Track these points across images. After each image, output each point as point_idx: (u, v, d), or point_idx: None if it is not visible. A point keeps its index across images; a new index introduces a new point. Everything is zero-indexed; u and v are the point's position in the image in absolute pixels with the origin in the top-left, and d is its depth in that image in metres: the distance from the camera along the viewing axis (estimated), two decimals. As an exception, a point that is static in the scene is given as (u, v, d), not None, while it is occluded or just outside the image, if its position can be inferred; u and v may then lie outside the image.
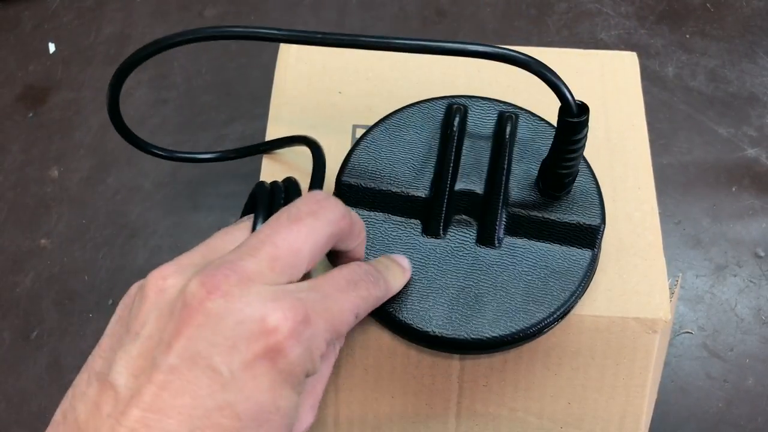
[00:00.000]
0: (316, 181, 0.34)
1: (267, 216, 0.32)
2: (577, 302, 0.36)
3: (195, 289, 0.24)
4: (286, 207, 0.28)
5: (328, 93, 0.43)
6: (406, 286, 0.35)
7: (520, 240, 0.36)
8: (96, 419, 0.23)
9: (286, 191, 0.34)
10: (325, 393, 0.37)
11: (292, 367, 0.24)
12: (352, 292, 0.27)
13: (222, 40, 0.60)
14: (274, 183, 0.35)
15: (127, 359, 0.24)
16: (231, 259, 0.25)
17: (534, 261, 0.36)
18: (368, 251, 0.36)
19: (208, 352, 0.23)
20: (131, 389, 0.23)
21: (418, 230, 0.37)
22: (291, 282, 0.26)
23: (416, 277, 0.35)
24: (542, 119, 0.39)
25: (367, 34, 0.31)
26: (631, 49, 0.46)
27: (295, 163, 0.41)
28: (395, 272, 0.33)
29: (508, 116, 0.38)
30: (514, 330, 0.34)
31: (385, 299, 0.31)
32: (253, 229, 0.30)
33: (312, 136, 0.39)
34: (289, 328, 0.24)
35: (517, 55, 0.30)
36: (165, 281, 0.26)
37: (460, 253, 0.36)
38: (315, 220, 0.27)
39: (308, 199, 0.28)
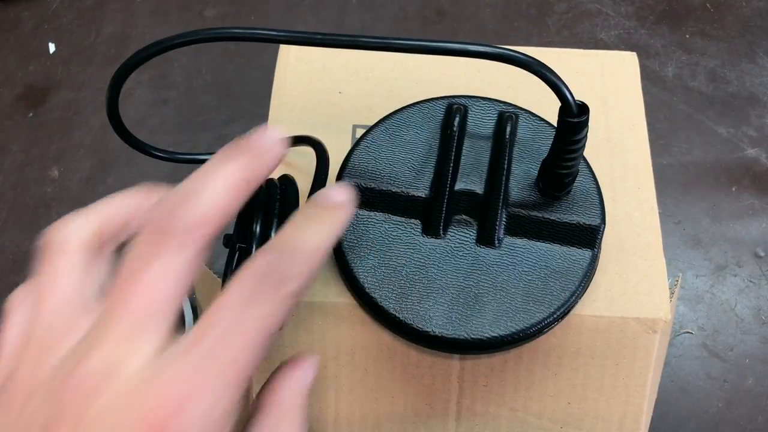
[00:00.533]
0: (320, 182, 0.34)
1: (265, 215, 0.32)
2: (577, 302, 0.36)
3: (54, 413, 0.19)
4: (131, 245, 0.21)
5: (328, 93, 0.43)
6: (406, 287, 0.35)
7: (520, 240, 0.36)
8: None
9: (283, 189, 0.34)
10: (325, 393, 0.37)
11: None
12: (248, 318, 0.20)
13: (222, 41, 0.60)
14: (270, 181, 0.35)
15: None
16: (96, 358, 0.20)
17: (534, 261, 0.36)
18: (368, 251, 0.36)
19: None
20: None
21: (418, 230, 0.37)
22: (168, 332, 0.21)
23: (416, 277, 0.35)
24: (542, 119, 0.39)
25: (366, 35, 0.31)
26: (631, 49, 0.46)
27: (295, 163, 0.41)
28: (315, 227, 0.24)
29: (508, 116, 0.38)
30: (514, 330, 0.34)
31: (311, 277, 0.22)
32: (265, 228, 0.29)
33: (310, 136, 0.39)
34: (173, 416, 0.19)
35: (517, 55, 0.30)
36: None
37: (460, 253, 0.36)
38: (159, 262, 0.20)
39: (151, 218, 0.21)
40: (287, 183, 0.34)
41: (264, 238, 0.32)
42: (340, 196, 0.25)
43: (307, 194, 0.33)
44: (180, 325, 0.46)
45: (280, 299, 0.21)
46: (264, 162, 0.24)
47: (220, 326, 0.20)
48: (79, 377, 0.19)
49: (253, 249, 0.31)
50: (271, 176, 0.35)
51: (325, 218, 0.24)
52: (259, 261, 0.22)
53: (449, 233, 0.37)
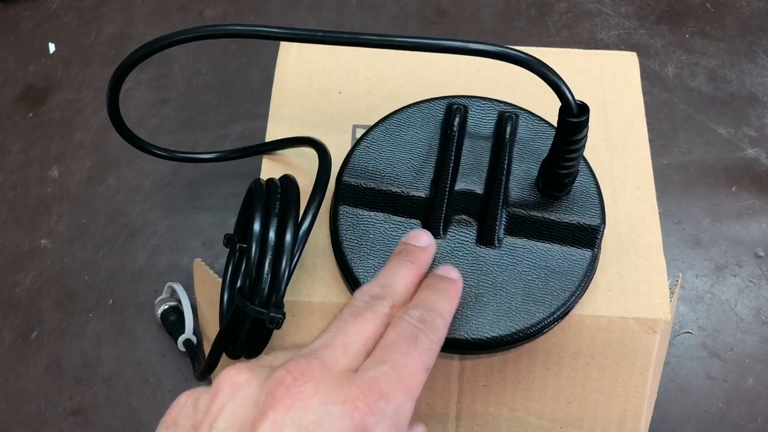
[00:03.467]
0: (322, 182, 0.34)
1: (264, 213, 0.32)
2: (577, 302, 0.36)
3: (281, 377, 0.25)
4: (345, 306, 0.29)
5: (328, 93, 0.43)
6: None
7: (520, 240, 0.36)
8: None
9: (284, 189, 0.34)
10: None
11: None
12: (415, 350, 0.27)
13: (222, 40, 0.60)
14: (271, 180, 0.35)
15: None
16: (308, 352, 0.27)
17: (534, 261, 0.36)
18: (368, 251, 0.36)
19: None
20: None
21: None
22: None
23: (416, 277, 0.35)
24: (542, 119, 0.39)
25: (367, 32, 0.31)
26: (631, 49, 0.46)
27: (295, 163, 0.41)
28: (444, 296, 0.32)
29: (508, 116, 0.38)
30: (514, 330, 0.34)
31: (447, 331, 0.31)
32: (265, 228, 0.31)
33: (314, 137, 0.39)
34: (372, 408, 0.25)
35: (518, 53, 0.30)
36: (238, 378, 0.26)
37: (460, 253, 0.36)
38: (373, 314, 0.29)
39: (363, 295, 0.30)
40: (288, 183, 0.34)
41: (263, 237, 0.32)
42: (453, 275, 0.33)
43: (309, 194, 0.33)
44: (180, 323, 0.46)
45: (433, 341, 0.28)
46: (423, 266, 0.33)
47: (396, 353, 0.27)
48: (308, 357, 0.26)
49: (253, 248, 0.31)
50: (272, 176, 0.35)
51: (448, 291, 0.32)
52: (411, 314, 0.29)
53: (449, 233, 0.37)
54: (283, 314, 0.31)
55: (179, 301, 0.46)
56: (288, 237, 0.31)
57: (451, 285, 0.32)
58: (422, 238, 0.34)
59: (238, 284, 0.37)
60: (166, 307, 0.47)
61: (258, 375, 0.26)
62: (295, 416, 0.24)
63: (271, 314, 0.31)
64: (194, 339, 0.45)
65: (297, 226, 0.32)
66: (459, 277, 0.33)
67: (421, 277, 0.32)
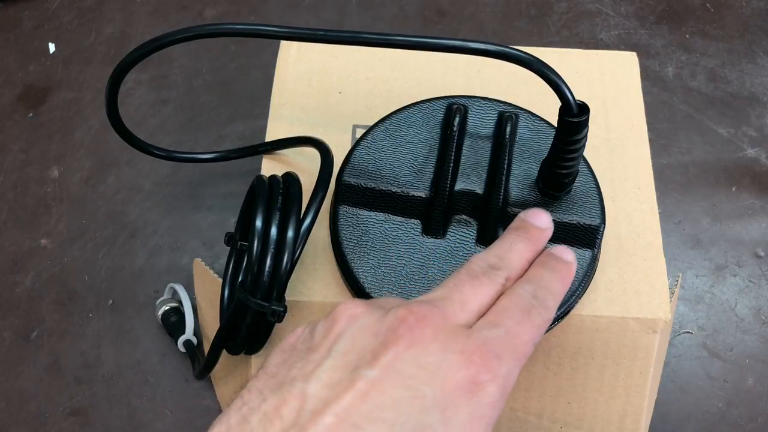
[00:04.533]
0: (324, 181, 0.34)
1: (267, 208, 0.32)
2: (577, 302, 0.36)
3: (403, 315, 0.25)
4: (462, 267, 0.30)
5: (328, 93, 0.43)
6: (406, 287, 0.35)
7: (520, 240, 0.36)
8: (276, 429, 0.23)
9: (286, 185, 0.34)
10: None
11: (489, 403, 0.25)
12: (528, 322, 0.27)
13: (222, 39, 0.60)
14: (273, 177, 0.35)
15: (318, 371, 0.24)
16: (428, 299, 0.27)
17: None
18: (368, 251, 0.36)
19: (414, 373, 0.24)
20: (323, 399, 0.23)
21: (418, 230, 0.37)
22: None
23: (416, 277, 0.35)
24: (542, 119, 0.39)
25: (368, 31, 0.31)
26: (631, 49, 0.46)
27: (295, 163, 0.41)
28: (557, 277, 0.31)
29: (508, 116, 0.38)
30: (514, 330, 0.34)
31: (555, 312, 0.30)
32: (267, 222, 0.32)
33: (314, 137, 0.39)
34: (486, 365, 0.25)
35: (519, 53, 0.30)
36: (356, 310, 0.26)
37: (460, 253, 0.36)
38: (489, 281, 0.29)
39: (480, 261, 0.30)
40: (290, 180, 0.34)
41: (265, 231, 0.32)
42: (569, 257, 0.32)
43: (311, 194, 0.33)
44: (180, 324, 0.46)
45: (543, 318, 0.28)
46: (539, 245, 0.32)
47: (511, 320, 0.27)
48: (429, 304, 0.26)
49: (254, 245, 0.31)
50: (274, 173, 0.35)
51: (562, 272, 0.31)
52: (525, 287, 0.29)
53: (449, 233, 0.37)
54: (285, 307, 0.32)
55: (180, 302, 0.46)
56: (290, 232, 0.32)
57: (566, 266, 0.31)
58: (542, 218, 0.33)
59: (240, 279, 0.37)
60: (167, 308, 0.47)
61: (374, 311, 0.26)
62: (416, 354, 0.24)
63: (273, 307, 0.31)
64: (194, 340, 0.45)
65: (299, 222, 0.32)
66: (574, 260, 0.32)
67: (536, 256, 0.32)
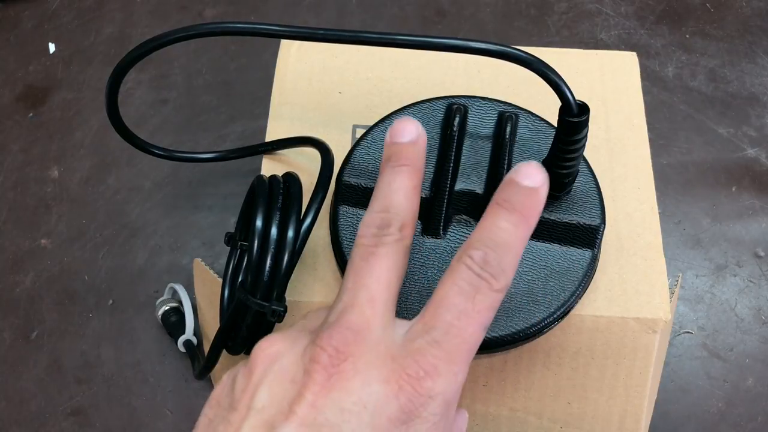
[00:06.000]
0: (324, 180, 0.34)
1: (267, 207, 0.32)
2: (577, 302, 0.36)
3: (315, 353, 0.23)
4: (353, 249, 0.26)
5: (328, 93, 0.43)
6: (406, 286, 0.35)
7: (520, 240, 0.36)
8: None
9: (286, 185, 0.34)
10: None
11: (433, 422, 0.22)
12: (473, 307, 0.24)
13: (222, 39, 0.60)
14: (273, 177, 0.35)
15: None
16: (336, 319, 0.24)
17: (534, 261, 0.36)
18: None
19: (337, 420, 0.22)
20: None
21: (418, 230, 0.37)
22: (395, 310, 0.25)
23: (416, 277, 0.35)
24: (542, 119, 0.39)
25: (369, 30, 0.31)
26: (631, 49, 0.46)
27: (295, 163, 0.41)
28: (518, 218, 0.25)
29: (508, 116, 0.38)
30: (514, 330, 0.34)
31: (516, 267, 0.25)
32: (267, 222, 0.31)
33: (314, 137, 0.39)
34: (417, 389, 0.22)
35: (519, 52, 0.30)
36: (272, 348, 0.25)
37: (460, 253, 0.36)
38: (385, 249, 0.25)
39: (366, 230, 0.26)
40: (291, 180, 0.34)
41: (266, 231, 0.32)
42: (534, 178, 0.25)
43: (311, 194, 0.33)
44: (180, 324, 0.46)
45: (495, 292, 0.24)
46: (419, 163, 0.28)
47: (450, 314, 0.24)
48: (340, 327, 0.24)
49: (255, 244, 0.31)
50: (274, 173, 0.35)
51: (522, 205, 0.25)
52: (471, 256, 0.24)
53: (449, 233, 0.37)
54: (285, 307, 0.32)
55: (180, 302, 0.46)
56: (290, 232, 0.32)
57: (529, 197, 0.25)
58: (407, 130, 0.28)
59: (240, 279, 0.37)
60: (167, 308, 0.47)
61: (292, 344, 0.24)
62: (336, 398, 0.22)
63: (273, 307, 0.31)
64: (194, 340, 0.45)
65: (299, 222, 0.32)
66: (543, 181, 0.25)
67: (420, 177, 0.28)
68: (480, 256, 0.24)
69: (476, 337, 0.24)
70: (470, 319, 0.24)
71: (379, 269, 0.25)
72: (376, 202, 0.27)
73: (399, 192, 0.27)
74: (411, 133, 0.28)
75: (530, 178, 0.25)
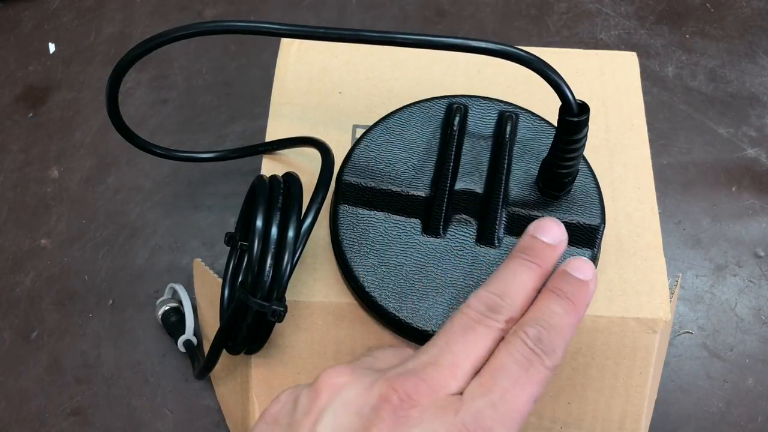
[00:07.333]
0: (324, 180, 0.34)
1: (267, 207, 0.32)
2: (577, 302, 0.35)
3: (386, 393, 0.24)
4: (456, 314, 0.28)
5: (328, 93, 0.43)
6: (406, 286, 0.35)
7: (520, 240, 0.36)
8: None
9: (286, 185, 0.34)
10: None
11: None
12: (527, 378, 0.25)
13: (222, 39, 0.60)
14: (274, 177, 0.35)
15: None
16: (415, 368, 0.25)
17: (534, 261, 0.36)
18: (368, 251, 0.36)
19: None
20: None
21: (418, 229, 0.37)
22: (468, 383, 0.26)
23: (416, 277, 0.35)
24: (542, 119, 0.39)
25: (369, 29, 0.31)
26: (631, 49, 0.46)
27: (295, 163, 0.41)
28: (569, 306, 0.28)
29: (508, 116, 0.38)
30: (514, 330, 0.34)
31: (566, 349, 0.27)
32: (268, 222, 0.31)
33: (314, 137, 0.39)
34: None
35: (520, 52, 0.30)
36: (340, 377, 0.25)
37: (460, 253, 0.36)
38: (485, 330, 0.27)
39: (477, 303, 0.28)
40: (291, 180, 0.34)
41: (266, 231, 0.32)
42: (585, 272, 0.28)
43: (312, 193, 0.33)
44: (180, 324, 0.46)
45: (546, 369, 0.26)
46: (549, 267, 0.29)
47: (507, 381, 0.25)
48: (417, 377, 0.25)
49: (255, 244, 0.31)
50: (274, 173, 0.35)
51: (573, 295, 0.28)
52: (527, 332, 0.26)
53: (449, 232, 0.37)
54: (285, 307, 0.32)
55: (180, 302, 0.46)
56: (290, 232, 0.32)
57: (580, 289, 0.28)
58: (552, 232, 0.30)
59: (240, 279, 0.37)
60: (167, 308, 0.47)
61: (359, 378, 0.25)
62: None
63: (273, 307, 0.31)
64: (194, 340, 0.45)
65: (300, 222, 0.32)
66: (592, 275, 0.28)
67: (545, 279, 0.29)
68: (534, 333, 0.26)
69: (527, 407, 0.25)
70: (524, 388, 0.25)
71: (473, 344, 0.26)
72: (495, 284, 0.28)
73: (519, 286, 0.28)
74: (555, 237, 0.30)
75: (581, 272, 0.28)
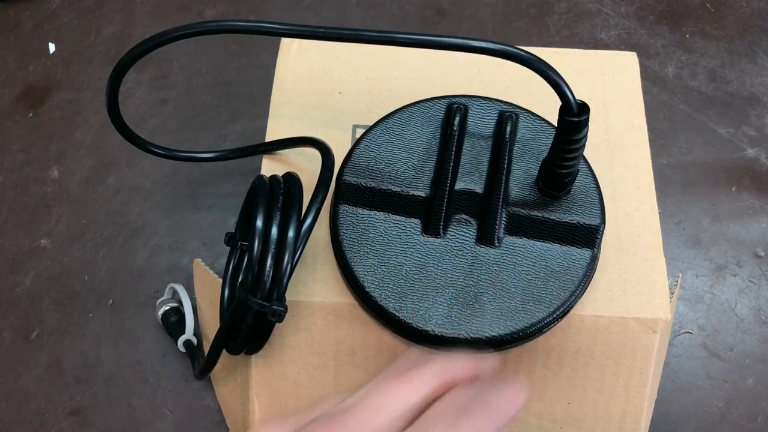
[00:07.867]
0: (324, 180, 0.34)
1: (267, 207, 0.32)
2: (576, 302, 0.36)
3: None
4: (392, 365, 0.27)
5: (328, 93, 0.43)
6: (406, 286, 0.35)
7: (520, 239, 0.36)
8: None
9: (287, 185, 0.34)
10: (325, 393, 0.37)
11: None
12: (466, 425, 0.25)
13: (222, 39, 0.60)
14: (274, 177, 0.35)
15: None
16: (340, 409, 0.25)
17: (534, 261, 0.36)
18: (368, 251, 0.36)
19: None
20: None
21: (418, 229, 0.37)
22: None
23: (416, 277, 0.35)
24: (542, 119, 0.39)
25: (369, 29, 0.31)
26: (631, 49, 0.46)
27: (295, 163, 0.41)
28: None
29: (508, 116, 0.38)
30: (513, 330, 0.34)
31: None
32: (268, 222, 0.31)
33: (314, 137, 0.39)
34: None
35: (520, 52, 0.30)
36: None
37: (460, 253, 0.36)
38: (420, 374, 0.26)
39: (407, 358, 0.27)
40: (291, 180, 0.34)
41: (266, 231, 0.32)
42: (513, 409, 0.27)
43: (312, 193, 0.33)
44: (180, 324, 0.46)
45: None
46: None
47: (441, 423, 0.24)
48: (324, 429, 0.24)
49: (255, 245, 0.31)
50: (275, 173, 0.35)
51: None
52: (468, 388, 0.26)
53: (449, 232, 0.37)
54: (285, 307, 0.32)
55: (180, 302, 0.46)
56: (291, 232, 0.32)
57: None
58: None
59: (240, 279, 0.37)
60: (167, 308, 0.47)
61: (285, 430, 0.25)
62: None
63: (274, 307, 0.31)
64: (194, 340, 0.45)
65: (300, 222, 0.32)
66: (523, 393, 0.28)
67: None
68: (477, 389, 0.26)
69: None
70: None
71: (403, 387, 0.26)
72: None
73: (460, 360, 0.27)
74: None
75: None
